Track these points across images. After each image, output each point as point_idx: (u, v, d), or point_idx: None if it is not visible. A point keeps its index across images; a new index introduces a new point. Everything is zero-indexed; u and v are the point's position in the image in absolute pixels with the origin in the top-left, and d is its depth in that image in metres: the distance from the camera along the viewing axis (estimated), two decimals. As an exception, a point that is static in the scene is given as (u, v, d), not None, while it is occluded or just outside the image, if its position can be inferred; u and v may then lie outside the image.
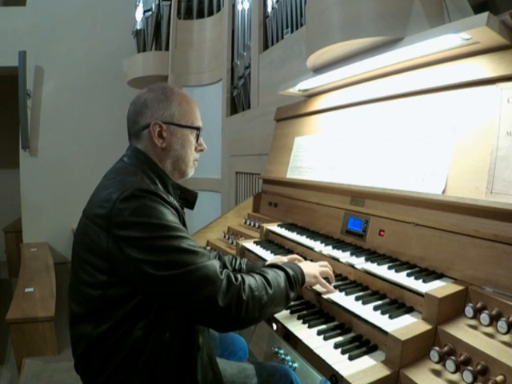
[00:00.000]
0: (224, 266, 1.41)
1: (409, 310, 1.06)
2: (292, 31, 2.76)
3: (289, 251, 1.65)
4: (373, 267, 1.23)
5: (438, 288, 1.03)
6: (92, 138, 5.55)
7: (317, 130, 1.96)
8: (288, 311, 1.22)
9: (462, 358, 0.86)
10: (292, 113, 2.22)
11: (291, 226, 1.83)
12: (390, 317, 1.02)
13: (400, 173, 1.36)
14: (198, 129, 1.18)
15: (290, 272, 1.11)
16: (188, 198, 1.21)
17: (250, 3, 3.45)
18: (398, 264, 1.25)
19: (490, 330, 0.91)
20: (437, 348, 0.89)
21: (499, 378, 0.78)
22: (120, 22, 5.45)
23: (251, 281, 0.98)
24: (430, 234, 1.20)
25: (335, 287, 1.23)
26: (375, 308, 1.07)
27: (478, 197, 1.08)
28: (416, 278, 1.11)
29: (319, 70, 1.73)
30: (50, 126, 5.38)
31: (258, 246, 1.76)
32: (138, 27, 4.83)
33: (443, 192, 1.19)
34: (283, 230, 1.80)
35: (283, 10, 2.86)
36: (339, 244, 1.49)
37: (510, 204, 0.97)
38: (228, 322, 0.94)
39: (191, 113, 1.17)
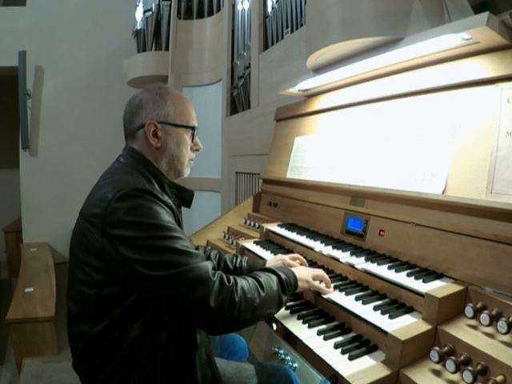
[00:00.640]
0: (225, 264, 1.42)
1: (409, 310, 1.06)
2: (292, 31, 2.76)
3: (289, 251, 1.65)
4: (373, 267, 1.23)
5: (437, 288, 1.03)
6: (92, 138, 5.55)
7: (317, 130, 1.96)
8: (288, 311, 1.22)
9: (462, 357, 0.86)
10: (292, 113, 2.22)
11: (291, 226, 1.83)
12: (390, 317, 1.02)
13: (400, 173, 1.36)
14: (193, 128, 1.19)
15: (283, 276, 1.11)
16: (184, 197, 1.22)
17: (250, 3, 3.45)
18: (398, 264, 1.24)
19: (489, 330, 0.91)
20: (437, 348, 0.89)
21: (499, 378, 0.78)
22: (120, 22, 5.46)
23: (244, 283, 0.99)
24: (430, 234, 1.20)
25: (335, 287, 1.23)
26: (375, 308, 1.07)
27: (478, 197, 1.08)
28: (416, 278, 1.11)
29: (319, 69, 1.73)
30: (50, 126, 5.38)
31: (258, 246, 1.76)
32: (138, 27, 4.84)
33: (443, 192, 1.19)
34: (283, 230, 1.80)
35: (283, 9, 2.86)
36: (339, 244, 1.49)
37: (510, 204, 0.97)
38: (220, 323, 0.94)
39: (186, 112, 1.18)
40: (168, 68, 4.62)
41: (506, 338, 0.87)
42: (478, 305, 0.96)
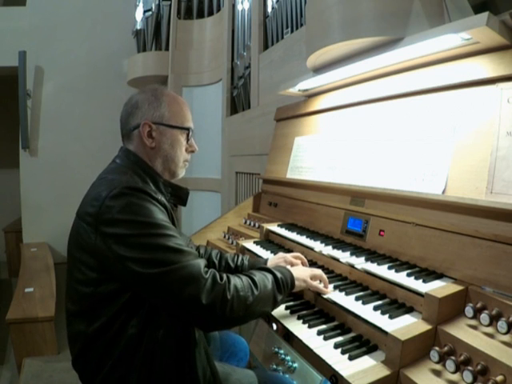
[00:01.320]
0: (226, 263, 1.42)
1: (409, 310, 1.06)
2: (292, 31, 2.76)
3: (289, 251, 1.65)
4: (373, 267, 1.23)
5: (437, 288, 1.03)
6: (92, 138, 5.54)
7: (317, 130, 1.96)
8: (288, 311, 1.22)
9: (462, 357, 0.86)
10: (292, 113, 2.22)
11: (291, 226, 1.83)
12: (390, 317, 1.02)
13: (400, 173, 1.36)
14: (188, 129, 1.20)
15: (279, 275, 1.11)
16: (180, 195, 1.22)
17: (250, 3, 3.45)
18: (398, 264, 1.24)
19: (489, 330, 0.91)
20: (437, 348, 0.89)
21: (499, 377, 0.78)
22: (120, 22, 5.45)
23: (237, 281, 0.99)
24: (430, 234, 1.20)
25: (335, 287, 1.23)
26: (375, 308, 1.07)
27: (478, 197, 1.08)
28: (416, 278, 1.11)
29: (319, 70, 1.73)
30: (50, 125, 5.37)
31: (258, 246, 1.76)
32: (138, 27, 4.84)
33: (443, 192, 1.19)
34: (283, 230, 1.80)
35: (283, 9, 2.86)
36: (339, 244, 1.49)
37: (510, 204, 0.97)
38: (213, 321, 0.95)
39: (181, 114, 1.19)
40: (168, 68, 4.62)
41: (506, 337, 0.87)
42: (478, 305, 0.96)
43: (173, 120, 1.16)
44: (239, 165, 3.55)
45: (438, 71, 1.33)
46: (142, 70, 4.84)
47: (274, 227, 1.86)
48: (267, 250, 1.70)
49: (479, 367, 0.82)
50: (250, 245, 1.80)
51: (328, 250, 1.43)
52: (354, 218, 1.52)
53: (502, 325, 0.86)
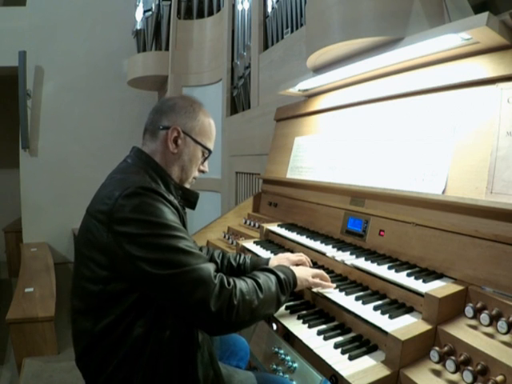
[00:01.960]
0: (228, 262, 1.43)
1: (409, 310, 1.06)
2: (292, 31, 2.76)
3: (289, 251, 1.65)
4: (373, 267, 1.23)
5: (437, 288, 1.03)
6: (92, 138, 5.55)
7: (317, 130, 1.96)
8: (288, 311, 1.22)
9: (462, 357, 0.86)
10: (292, 113, 2.22)
11: (291, 226, 1.83)
12: (390, 317, 1.02)
13: (400, 173, 1.36)
14: (209, 151, 1.23)
15: (282, 276, 1.12)
16: (189, 198, 1.23)
17: (250, 3, 3.45)
18: (398, 264, 1.24)
19: (489, 330, 0.91)
20: (437, 348, 0.89)
21: (499, 377, 0.78)
22: (120, 22, 5.46)
23: (243, 285, 0.99)
24: (430, 234, 1.20)
25: (335, 287, 1.24)
26: (375, 308, 1.07)
27: (478, 197, 1.08)
28: (416, 278, 1.11)
29: (319, 70, 1.73)
30: (50, 125, 5.38)
31: (258, 246, 1.76)
32: (138, 27, 4.84)
33: (443, 192, 1.19)
34: (283, 230, 1.80)
35: (283, 10, 2.86)
36: (339, 244, 1.49)
37: (510, 204, 0.97)
38: (219, 326, 0.95)
39: (209, 134, 1.22)
40: (168, 68, 4.62)
41: (506, 338, 0.87)
42: (478, 305, 0.96)
43: (200, 136, 1.19)
44: (239, 165, 3.55)
45: (438, 71, 1.33)
46: (141, 70, 4.84)
47: (274, 227, 1.86)
48: (267, 250, 1.70)
49: (479, 367, 0.82)
50: (250, 245, 1.80)
51: (329, 251, 1.42)
52: (354, 218, 1.52)
53: (502, 325, 0.86)
